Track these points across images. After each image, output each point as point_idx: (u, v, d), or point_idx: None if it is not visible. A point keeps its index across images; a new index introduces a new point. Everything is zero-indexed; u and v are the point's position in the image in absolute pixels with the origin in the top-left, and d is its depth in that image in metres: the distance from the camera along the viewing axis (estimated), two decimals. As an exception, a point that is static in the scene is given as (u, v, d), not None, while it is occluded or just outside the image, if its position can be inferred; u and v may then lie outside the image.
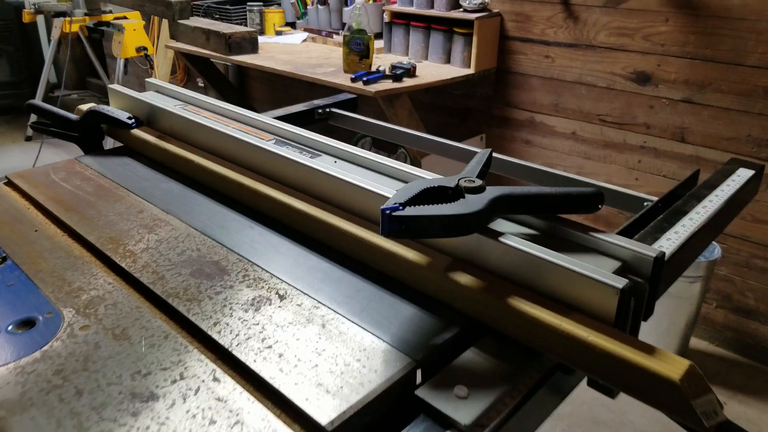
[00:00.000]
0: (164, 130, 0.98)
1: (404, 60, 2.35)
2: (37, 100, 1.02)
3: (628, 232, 0.70)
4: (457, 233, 0.60)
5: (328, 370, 0.53)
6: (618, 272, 0.58)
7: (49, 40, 3.35)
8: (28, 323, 0.58)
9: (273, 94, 3.32)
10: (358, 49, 2.18)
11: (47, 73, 3.25)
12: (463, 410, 0.50)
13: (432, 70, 2.29)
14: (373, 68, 2.21)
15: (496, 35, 2.33)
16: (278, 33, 2.87)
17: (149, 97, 1.05)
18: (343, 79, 2.09)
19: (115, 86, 1.06)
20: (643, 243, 0.61)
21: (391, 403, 0.52)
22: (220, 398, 0.50)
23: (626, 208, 0.89)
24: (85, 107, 1.03)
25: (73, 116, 1.02)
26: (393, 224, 0.57)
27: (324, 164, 0.77)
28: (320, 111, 1.34)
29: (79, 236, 0.74)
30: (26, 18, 3.25)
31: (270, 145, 0.81)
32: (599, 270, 0.54)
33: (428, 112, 2.67)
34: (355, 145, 2.73)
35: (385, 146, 2.59)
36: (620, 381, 0.50)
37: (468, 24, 2.25)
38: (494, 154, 1.06)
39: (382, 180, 0.78)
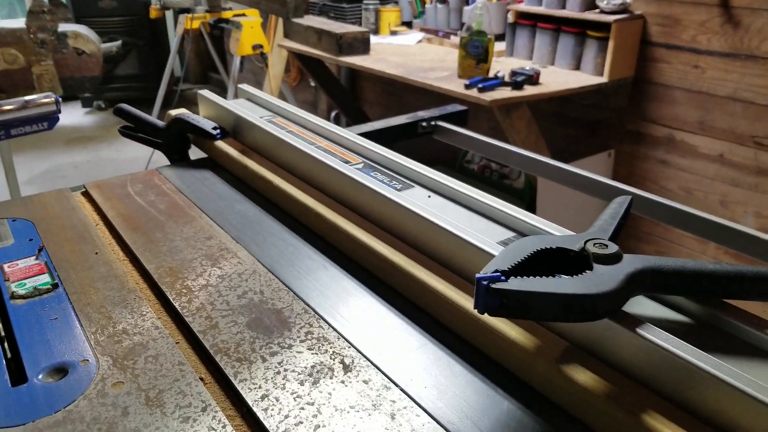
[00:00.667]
0: (248, 144, 0.90)
1: (527, 65, 2.17)
2: (127, 105, 0.98)
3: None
4: (579, 318, 0.45)
5: (390, 485, 0.41)
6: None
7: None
8: (60, 371, 0.51)
9: (385, 97, 3.24)
10: (475, 52, 2.03)
11: (171, 67, 3.38)
12: None
13: (558, 77, 2.09)
14: (491, 74, 2.05)
15: (637, 40, 2.08)
16: (393, 33, 2.78)
17: (238, 105, 0.98)
18: (456, 85, 1.96)
19: (205, 92, 1.00)
20: None
21: None
22: None
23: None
24: (174, 113, 0.97)
25: (159, 123, 0.97)
26: (492, 299, 0.44)
27: (414, 199, 0.65)
28: (424, 124, 1.22)
29: (139, 263, 0.67)
30: (153, 14, 3.40)
31: (354, 171, 0.70)
32: (775, 393, 0.37)
33: (552, 124, 2.47)
34: (463, 157, 2.58)
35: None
36: None
37: (604, 27, 2.03)
38: (623, 186, 0.89)
39: (484, 225, 0.65)
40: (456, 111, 1.29)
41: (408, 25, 2.90)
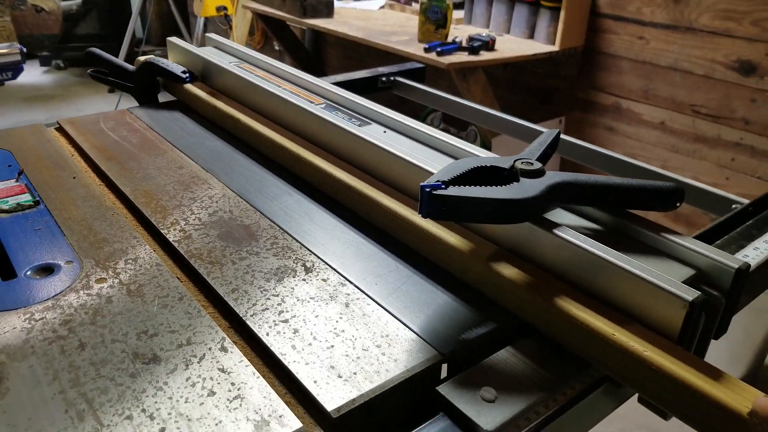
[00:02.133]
0: (217, 87, 0.95)
1: (484, 32, 2.24)
2: (97, 49, 1.01)
3: (708, 237, 0.62)
4: (507, 221, 0.53)
5: (343, 353, 0.48)
6: (690, 282, 0.50)
7: (138, -3, 3.43)
8: (47, 270, 0.56)
9: (348, 62, 3.28)
10: (434, 17, 2.09)
11: (132, 28, 3.34)
12: (487, 414, 0.44)
13: (513, 45, 2.17)
14: (449, 39, 2.12)
15: (587, 11, 2.18)
16: (357, -1, 2.82)
17: (206, 52, 1.02)
18: (416, 49, 2.02)
19: (174, 39, 1.04)
20: (724, 251, 0.52)
21: (409, 397, 0.47)
22: (224, 369, 0.46)
23: (712, 209, 0.79)
24: (143, 58, 1.01)
25: (130, 67, 1.00)
26: (433, 204, 0.51)
27: (370, 133, 0.71)
28: (384, 79, 1.28)
29: (115, 187, 0.72)
30: (116, -28, 3.34)
31: (316, 109, 0.77)
32: (667, 278, 0.46)
33: (506, 90, 2.56)
34: (424, 120, 2.66)
35: (455, 123, 2.50)
36: (676, 405, 0.43)
37: (557, -3, 2.11)
38: (572, 140, 0.97)
39: (432, 155, 0.72)
40: (414, 68, 1.35)
41: (373, -9, 2.93)
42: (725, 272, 0.49)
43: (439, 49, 1.97)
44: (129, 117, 0.92)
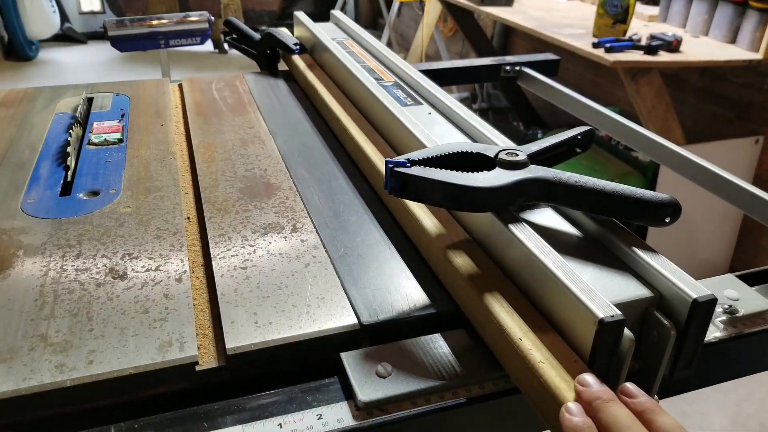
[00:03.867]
0: (316, 60, 1.02)
1: (670, 32, 2.03)
2: (234, 18, 1.14)
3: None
4: (460, 207, 0.52)
5: (273, 304, 0.51)
6: (642, 304, 0.45)
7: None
8: (94, 193, 0.68)
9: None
10: (613, 11, 1.95)
11: (340, 7, 3.59)
12: (370, 387, 0.45)
13: (705, 49, 1.93)
14: (627, 36, 1.96)
15: (804, 15, 1.85)
16: (547, -10, 2.71)
17: (322, 27, 1.10)
18: (584, 44, 1.90)
19: (299, 13, 1.13)
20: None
21: (314, 355, 0.49)
22: (168, 295, 0.52)
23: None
24: (268, 29, 1.12)
25: (256, 36, 1.12)
26: (394, 180, 0.52)
27: (414, 113, 0.72)
28: (508, 68, 1.24)
29: (189, 137, 0.83)
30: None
31: (373, 84, 0.79)
32: (593, 292, 0.41)
33: (694, 98, 2.29)
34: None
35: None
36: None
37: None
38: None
39: (456, 139, 0.71)
40: (546, 59, 1.29)
41: (567, -18, 2.79)
42: (681, 301, 0.43)
43: (608, 45, 1.83)
44: (239, 81, 1.04)
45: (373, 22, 4.86)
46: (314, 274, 0.56)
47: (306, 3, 4.52)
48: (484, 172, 0.52)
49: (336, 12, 1.17)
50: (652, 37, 1.91)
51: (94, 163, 0.74)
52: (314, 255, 0.58)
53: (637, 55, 1.83)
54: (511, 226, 0.49)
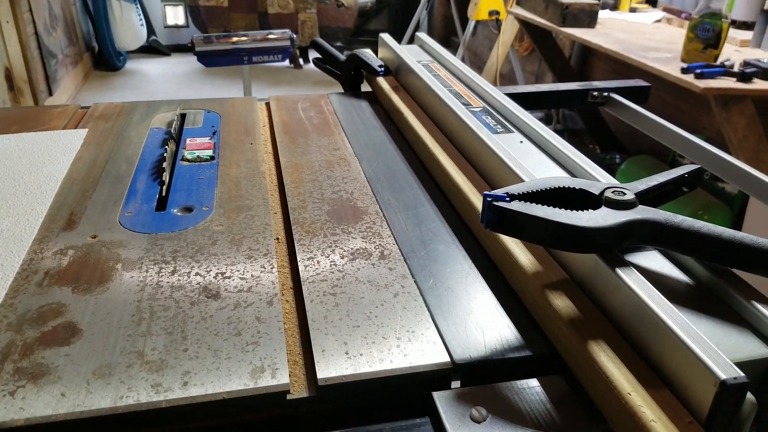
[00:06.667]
0: (401, 82, 1.01)
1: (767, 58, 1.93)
2: (321, 39, 1.16)
3: None
4: (563, 246, 0.50)
5: (364, 335, 0.51)
6: (762, 365, 0.41)
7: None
8: (188, 209, 0.69)
9: (614, 77, 3.09)
10: (704, 35, 1.87)
11: (413, 28, 3.62)
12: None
13: (803, 77, 1.83)
14: (719, 62, 1.87)
15: None
16: (632, 10, 2.64)
17: (406, 49, 1.10)
18: (672, 68, 1.83)
19: (384, 35, 1.14)
20: None
21: (404, 392, 0.48)
22: (260, 318, 0.52)
23: None
24: (356, 51, 1.13)
25: (341, 57, 1.13)
26: (492, 214, 0.50)
27: (505, 141, 0.71)
28: (595, 94, 1.21)
29: (277, 156, 0.84)
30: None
31: (462, 109, 0.78)
32: (712, 349, 0.39)
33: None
34: (674, 154, 2.37)
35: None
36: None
37: None
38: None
39: (553, 172, 0.68)
40: (635, 86, 1.25)
41: (652, 3, 2.72)
42: (811, 365, 0.39)
43: (699, 71, 1.76)
44: (324, 101, 1.05)
45: (446, 40, 4.87)
46: (403, 305, 0.54)
47: (380, 20, 4.58)
48: (590, 210, 0.50)
49: (421, 34, 1.17)
50: (746, 64, 1.82)
51: (187, 180, 0.76)
52: (403, 285, 0.57)
53: (729, 82, 1.75)
54: (619, 271, 0.47)
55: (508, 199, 0.51)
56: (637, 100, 1.22)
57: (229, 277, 0.58)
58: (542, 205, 0.50)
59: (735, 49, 2.12)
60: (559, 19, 2.26)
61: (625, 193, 0.51)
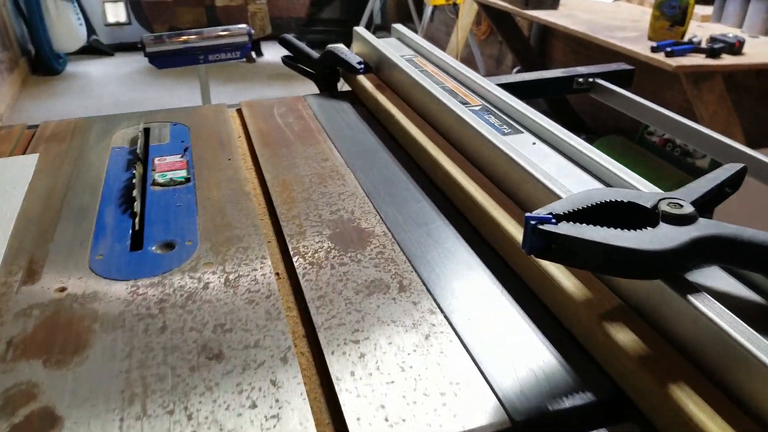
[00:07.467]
0: (385, 80, 0.94)
1: (731, 33, 1.92)
2: (291, 36, 1.07)
3: None
4: (628, 274, 0.43)
5: (401, 393, 0.43)
6: None
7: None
8: (169, 246, 0.60)
9: (575, 57, 3.07)
10: (670, 12, 1.84)
11: (369, 13, 3.52)
12: None
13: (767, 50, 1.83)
14: (686, 39, 1.86)
15: None
16: (590, -10, 2.61)
17: (386, 43, 1.02)
18: (642, 47, 1.80)
19: (359, 29, 1.05)
20: None
21: (459, 462, 0.41)
22: (275, 382, 0.44)
23: None
24: (330, 47, 1.04)
25: (314, 54, 1.04)
26: (538, 240, 0.43)
27: (517, 144, 0.64)
28: (581, 80, 1.16)
29: (261, 172, 0.75)
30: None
31: (464, 110, 0.71)
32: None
33: (756, 103, 2.17)
34: (641, 136, 2.38)
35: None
36: None
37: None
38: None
39: (576, 177, 0.62)
40: (619, 69, 1.20)
41: (609, -19, 2.69)
42: None
43: (669, 49, 1.73)
44: (301, 104, 0.96)
45: (399, 26, 4.77)
46: (439, 349, 0.47)
47: (333, 9, 4.45)
48: (649, 229, 0.44)
49: (398, 26, 1.09)
50: (713, 39, 1.80)
51: (163, 208, 0.67)
52: (433, 323, 0.50)
53: (699, 59, 1.73)
54: (693, 298, 0.40)
55: (554, 221, 0.44)
56: (622, 83, 1.18)
57: (230, 330, 0.49)
58: (593, 225, 0.44)
59: (698, 25, 2.12)
60: (522, 2, 2.21)
61: (682, 205, 0.45)
